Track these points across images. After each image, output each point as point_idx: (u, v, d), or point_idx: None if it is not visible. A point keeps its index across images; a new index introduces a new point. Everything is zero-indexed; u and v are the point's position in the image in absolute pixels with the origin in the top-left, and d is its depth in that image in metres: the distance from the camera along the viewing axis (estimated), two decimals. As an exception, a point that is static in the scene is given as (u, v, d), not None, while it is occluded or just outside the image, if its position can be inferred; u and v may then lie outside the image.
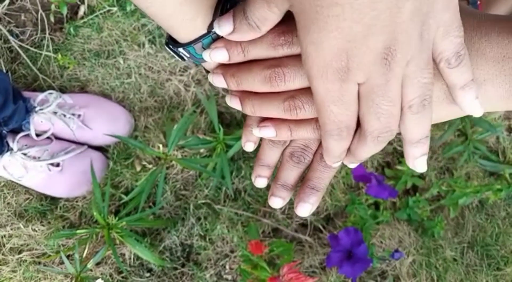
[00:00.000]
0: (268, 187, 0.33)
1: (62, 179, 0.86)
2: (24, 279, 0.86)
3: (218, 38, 0.28)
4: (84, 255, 0.81)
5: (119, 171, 0.90)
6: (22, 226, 0.87)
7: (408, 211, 0.90)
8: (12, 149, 0.83)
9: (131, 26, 0.93)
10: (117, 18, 0.93)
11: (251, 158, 0.92)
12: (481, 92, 0.27)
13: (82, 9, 0.93)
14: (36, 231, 0.88)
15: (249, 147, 0.32)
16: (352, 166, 0.30)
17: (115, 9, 0.92)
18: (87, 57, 0.93)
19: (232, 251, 0.90)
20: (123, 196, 0.89)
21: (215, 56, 0.28)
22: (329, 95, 0.25)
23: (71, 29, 0.92)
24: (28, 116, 0.84)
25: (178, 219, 0.90)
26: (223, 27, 0.27)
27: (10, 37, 0.91)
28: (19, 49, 0.91)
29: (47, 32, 0.92)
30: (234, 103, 0.30)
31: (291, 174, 0.32)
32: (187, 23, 0.28)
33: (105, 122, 0.87)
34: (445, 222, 0.93)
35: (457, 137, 0.94)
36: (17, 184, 0.88)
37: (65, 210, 0.90)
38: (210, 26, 0.28)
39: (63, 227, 0.88)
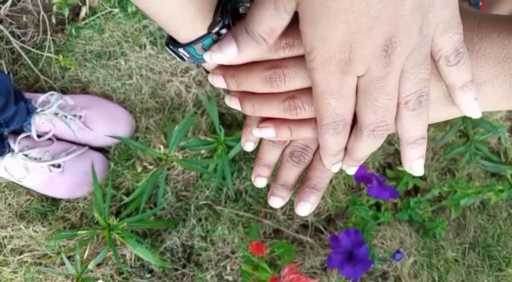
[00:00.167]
0: (269, 187, 0.33)
1: (63, 180, 0.86)
2: (25, 280, 0.86)
3: (218, 39, 0.28)
4: (85, 256, 0.81)
5: (120, 172, 0.90)
6: (23, 227, 0.88)
7: (409, 211, 0.90)
8: (13, 150, 0.83)
9: (133, 27, 0.93)
10: (119, 20, 0.93)
11: (252, 159, 0.92)
12: (481, 93, 0.27)
13: (84, 11, 0.93)
14: (37, 232, 0.88)
15: (249, 147, 0.32)
16: (351, 170, 0.30)
17: (116, 10, 0.93)
18: (88, 58, 0.93)
19: (233, 252, 0.90)
20: (124, 197, 0.89)
21: (216, 57, 0.28)
22: (328, 87, 0.25)
23: (73, 31, 0.92)
24: (29, 117, 0.84)
25: (179, 220, 0.90)
26: (227, 50, 0.27)
27: (11, 39, 0.91)
28: (20, 51, 0.91)
29: (49, 33, 0.92)
30: (233, 103, 0.30)
31: (291, 174, 0.32)
32: (187, 23, 0.28)
33: (106, 124, 0.88)
34: (447, 223, 0.93)
35: (458, 138, 0.94)
36: (18, 185, 0.88)
37: (66, 211, 0.90)
38: (211, 27, 0.28)
39: (64, 228, 0.88)
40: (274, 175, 0.33)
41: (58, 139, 0.88)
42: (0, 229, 0.88)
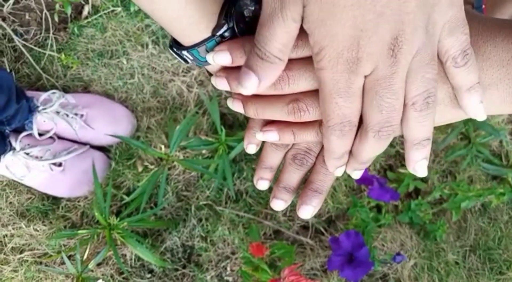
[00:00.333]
0: (270, 189, 0.33)
1: (64, 178, 0.86)
2: (25, 279, 0.86)
3: (222, 41, 0.28)
4: (85, 255, 0.81)
5: (121, 171, 0.90)
6: (24, 226, 0.88)
7: (410, 214, 0.90)
8: (14, 148, 0.83)
9: (135, 26, 0.93)
10: (121, 19, 0.93)
11: (253, 160, 0.92)
12: (486, 96, 0.27)
13: (86, 9, 0.93)
14: (38, 231, 0.88)
15: (251, 149, 0.32)
16: (356, 174, 0.30)
17: (119, 9, 0.93)
18: (90, 57, 0.93)
19: (233, 253, 0.90)
20: (124, 196, 0.89)
21: (219, 59, 0.28)
22: (336, 87, 0.25)
23: (75, 29, 0.92)
24: (31, 115, 0.84)
25: (180, 220, 0.90)
26: (248, 83, 0.26)
27: (14, 36, 0.91)
28: (23, 49, 0.91)
29: (51, 31, 0.92)
30: (236, 106, 0.30)
31: (293, 177, 0.32)
32: (192, 26, 0.28)
33: (108, 123, 0.88)
34: (447, 225, 0.93)
35: (460, 141, 0.94)
36: (19, 183, 0.88)
37: (67, 210, 0.90)
38: (215, 29, 0.28)
39: (65, 227, 0.88)
40: (277, 178, 0.33)
41: (60, 138, 0.88)
42: (1, 228, 0.88)
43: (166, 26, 0.28)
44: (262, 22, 0.25)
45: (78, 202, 0.90)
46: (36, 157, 0.84)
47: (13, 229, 0.88)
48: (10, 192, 0.89)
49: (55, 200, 0.90)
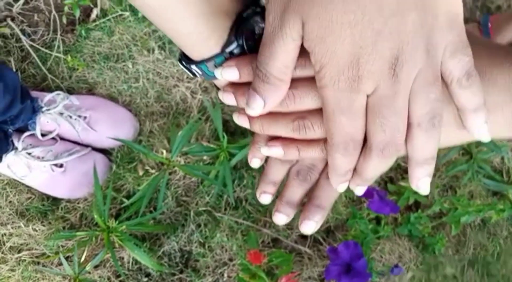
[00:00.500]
0: (271, 198, 0.33)
1: (65, 180, 0.86)
2: (22, 278, 0.86)
3: (230, 57, 0.29)
4: (83, 257, 0.81)
5: (121, 175, 0.90)
6: (22, 225, 0.88)
7: (409, 226, 0.89)
8: (16, 148, 0.83)
9: (142, 31, 0.94)
10: (129, 23, 0.93)
11: (254, 168, 0.92)
12: (490, 119, 0.28)
13: (95, 12, 0.94)
14: (37, 231, 0.88)
15: (255, 163, 0.33)
16: (359, 190, 0.30)
17: (127, 13, 0.93)
18: (96, 60, 0.93)
19: (231, 260, 0.90)
20: (124, 199, 0.89)
21: (227, 74, 0.28)
22: (339, 105, 0.25)
23: (83, 32, 0.93)
24: (34, 116, 0.84)
25: (178, 225, 0.90)
26: (254, 105, 0.27)
27: (22, 37, 0.91)
28: (30, 49, 0.92)
29: (59, 33, 0.93)
30: (242, 121, 0.30)
31: (296, 192, 0.32)
32: (202, 42, 0.28)
33: (110, 126, 0.88)
34: (447, 239, 0.93)
35: (461, 156, 0.94)
36: (19, 182, 0.89)
37: (66, 211, 0.90)
38: (225, 46, 0.28)
39: (64, 228, 0.88)
40: (280, 192, 0.33)
41: (62, 139, 0.88)
42: (0, 226, 0.88)
43: (176, 40, 0.29)
44: (264, 42, 0.26)
45: (78, 203, 0.90)
46: (38, 157, 0.84)
47: (12, 228, 0.88)
48: (11, 191, 0.89)
49: (55, 200, 0.90)
